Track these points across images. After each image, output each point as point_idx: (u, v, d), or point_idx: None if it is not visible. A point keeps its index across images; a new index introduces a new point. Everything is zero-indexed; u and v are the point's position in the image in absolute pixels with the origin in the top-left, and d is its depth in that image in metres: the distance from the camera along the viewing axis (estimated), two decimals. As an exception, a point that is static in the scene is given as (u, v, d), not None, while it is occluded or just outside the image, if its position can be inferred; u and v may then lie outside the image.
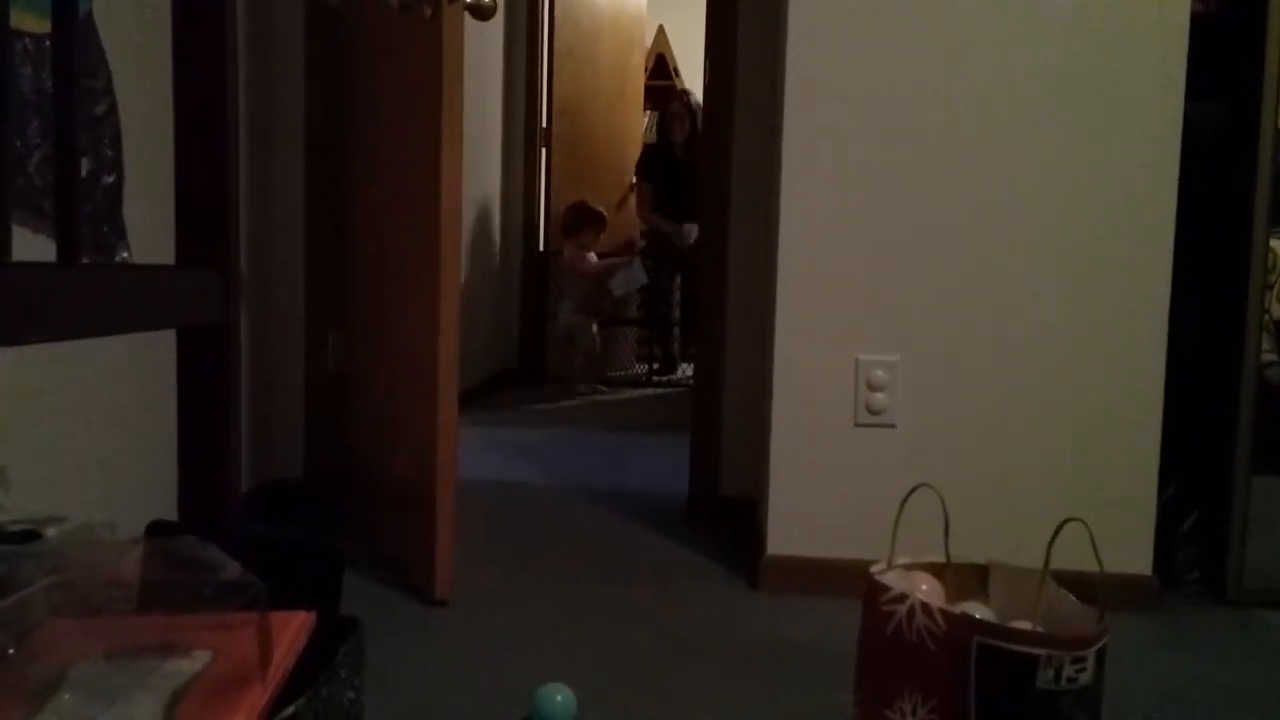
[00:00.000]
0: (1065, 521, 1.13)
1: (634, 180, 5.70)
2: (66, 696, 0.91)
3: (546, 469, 3.31)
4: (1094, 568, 1.14)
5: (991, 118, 1.98)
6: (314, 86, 2.55)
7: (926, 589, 1.26)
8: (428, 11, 1.84)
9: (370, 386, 2.40)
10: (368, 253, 2.40)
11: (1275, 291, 2.06)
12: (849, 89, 2.00)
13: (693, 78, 5.64)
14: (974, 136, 1.98)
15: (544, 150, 5.43)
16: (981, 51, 1.97)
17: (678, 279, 5.59)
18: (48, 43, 1.60)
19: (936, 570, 1.31)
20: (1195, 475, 2.13)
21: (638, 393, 5.19)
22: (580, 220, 5.15)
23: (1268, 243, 2.03)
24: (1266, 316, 2.05)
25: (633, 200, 5.74)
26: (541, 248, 5.48)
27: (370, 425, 2.40)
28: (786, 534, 2.06)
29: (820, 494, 2.04)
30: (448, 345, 1.90)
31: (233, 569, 0.96)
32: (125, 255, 1.86)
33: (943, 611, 1.14)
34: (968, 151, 1.98)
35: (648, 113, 6.29)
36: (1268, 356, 2.06)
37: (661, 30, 6.94)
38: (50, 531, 1.21)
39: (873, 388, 2.01)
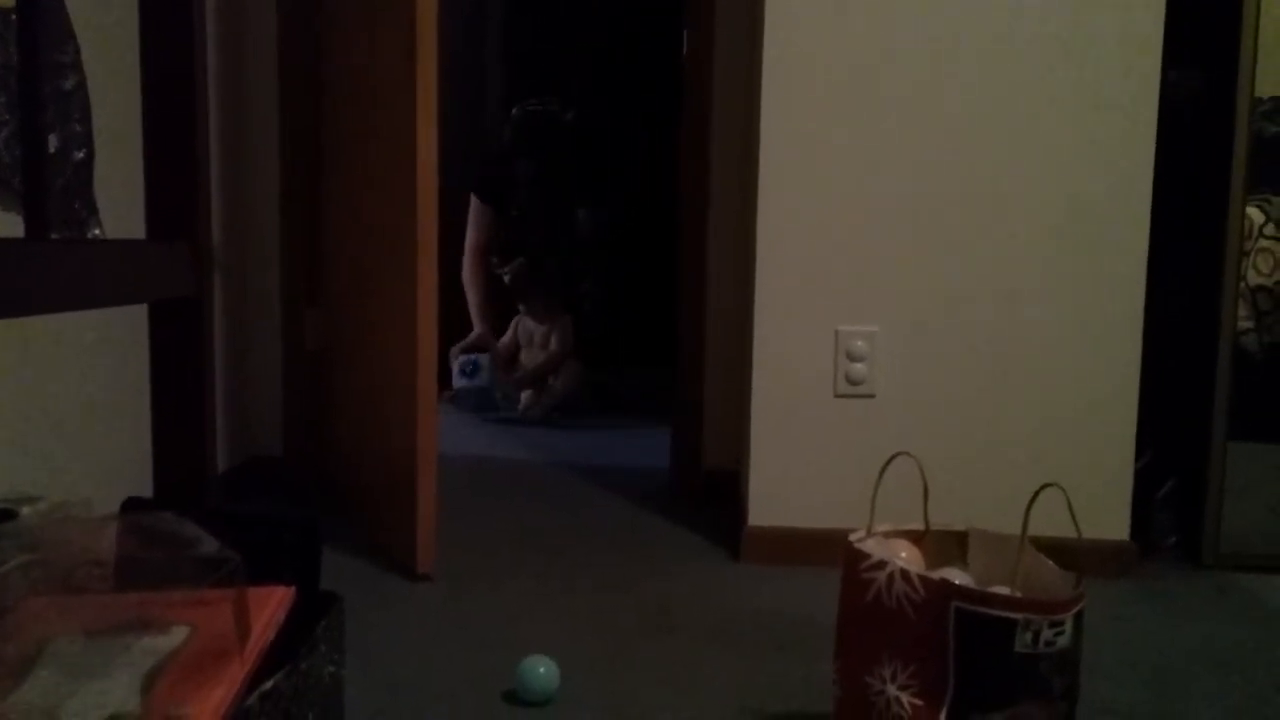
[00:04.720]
0: (1043, 487, 1.13)
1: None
2: (44, 673, 0.91)
3: (529, 445, 3.31)
4: (1072, 534, 1.15)
5: (968, 89, 1.97)
6: (287, 59, 2.51)
7: (906, 556, 1.26)
8: (401, -18, 1.82)
9: (349, 362, 2.38)
10: (345, 228, 2.38)
11: (1252, 259, 2.07)
12: (828, 63, 1.99)
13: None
14: (950, 108, 1.98)
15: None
16: (958, 22, 1.96)
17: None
18: (14, 17, 1.57)
19: (915, 537, 1.31)
20: (1172, 441, 2.15)
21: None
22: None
23: (1244, 210, 2.03)
24: (1243, 284, 2.06)
25: None
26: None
27: (350, 401, 2.39)
28: (767, 505, 2.06)
29: (801, 465, 2.05)
30: (427, 320, 1.89)
31: (209, 544, 0.96)
32: (97, 231, 1.84)
33: (921, 578, 1.14)
34: (945, 123, 1.98)
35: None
36: (1244, 324, 2.07)
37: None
38: (25, 510, 1.20)
39: (852, 358, 2.01)
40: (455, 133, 3.30)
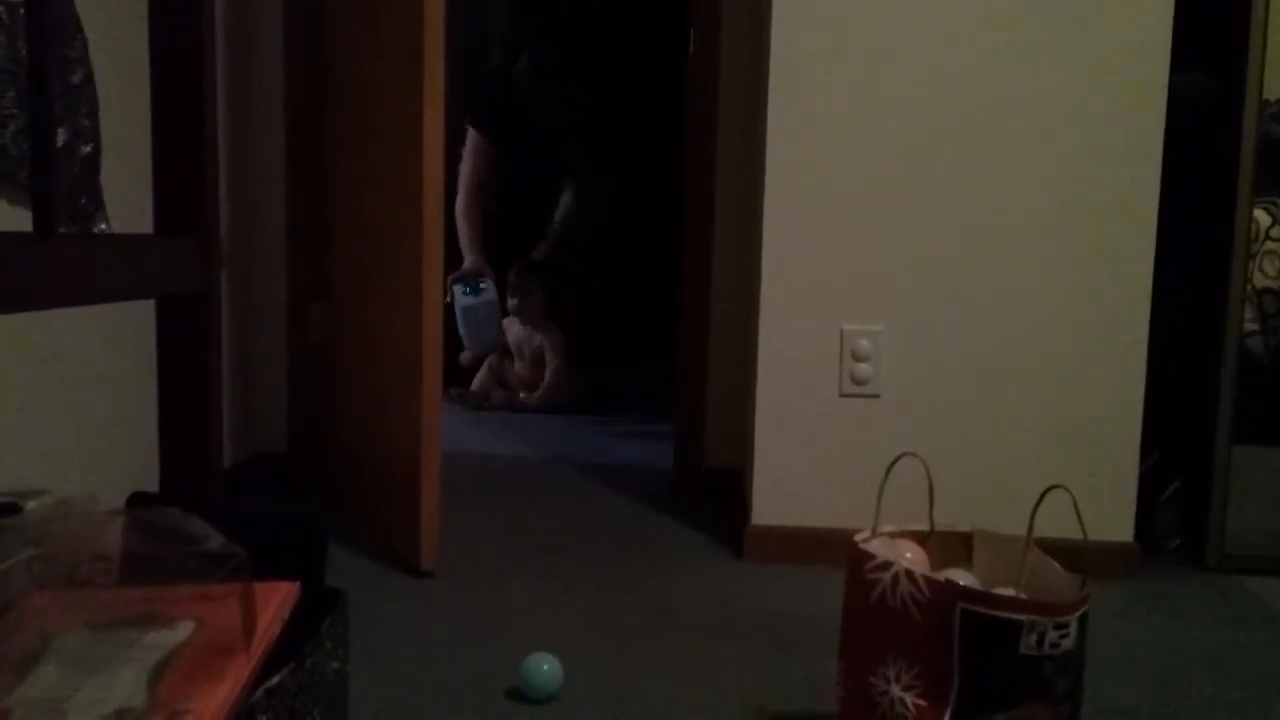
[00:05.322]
0: (1049, 489, 1.13)
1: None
2: (49, 668, 0.91)
3: (531, 443, 3.30)
4: (1077, 535, 1.15)
5: (973, 90, 1.97)
6: (294, 54, 2.51)
7: (911, 557, 1.26)
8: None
9: (354, 357, 2.38)
10: (350, 222, 2.38)
11: (1258, 261, 2.06)
12: (833, 63, 1.99)
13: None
14: (956, 108, 1.97)
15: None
16: (965, 24, 1.96)
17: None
18: (22, 11, 1.57)
19: (921, 538, 1.31)
20: (1177, 444, 2.14)
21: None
22: None
23: (1251, 212, 2.03)
24: (1249, 286, 2.06)
25: None
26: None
27: (354, 396, 2.39)
28: (771, 504, 2.06)
29: (805, 464, 2.04)
30: (431, 315, 1.89)
31: (215, 540, 0.96)
32: (104, 226, 1.84)
33: (926, 578, 1.14)
34: (951, 123, 1.98)
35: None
36: (1249, 326, 2.07)
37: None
38: (31, 505, 1.20)
39: (857, 358, 2.01)
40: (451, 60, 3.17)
